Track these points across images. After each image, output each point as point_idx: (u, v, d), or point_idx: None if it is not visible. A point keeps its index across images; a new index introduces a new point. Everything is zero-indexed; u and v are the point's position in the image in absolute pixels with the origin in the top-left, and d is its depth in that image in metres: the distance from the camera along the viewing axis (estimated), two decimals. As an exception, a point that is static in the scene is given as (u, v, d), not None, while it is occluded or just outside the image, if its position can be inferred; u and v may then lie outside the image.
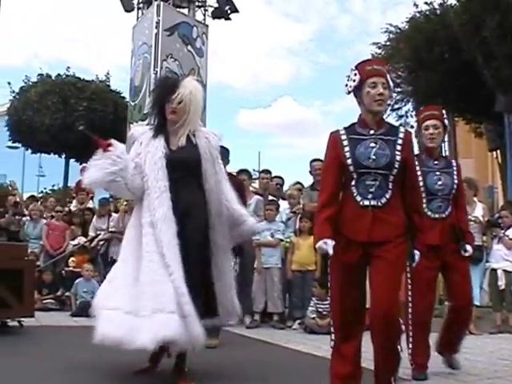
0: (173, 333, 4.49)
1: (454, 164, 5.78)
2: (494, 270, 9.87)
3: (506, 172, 21.65)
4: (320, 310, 8.91)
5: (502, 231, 9.96)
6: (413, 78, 20.62)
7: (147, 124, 5.45)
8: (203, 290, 4.93)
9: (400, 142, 4.34)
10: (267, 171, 11.74)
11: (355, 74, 4.38)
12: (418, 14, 21.90)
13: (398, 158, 4.28)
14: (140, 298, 4.65)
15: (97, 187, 5.07)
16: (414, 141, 5.30)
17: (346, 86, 4.45)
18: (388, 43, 22.35)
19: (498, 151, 24.28)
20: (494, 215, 11.20)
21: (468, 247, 5.53)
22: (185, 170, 4.97)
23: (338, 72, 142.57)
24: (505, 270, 9.84)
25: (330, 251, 4.18)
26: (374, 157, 4.26)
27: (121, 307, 4.71)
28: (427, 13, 21.67)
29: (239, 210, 5.35)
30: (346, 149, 4.32)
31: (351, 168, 4.30)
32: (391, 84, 4.48)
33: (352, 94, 4.46)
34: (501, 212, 10.68)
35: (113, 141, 4.97)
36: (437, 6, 21.57)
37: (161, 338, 4.48)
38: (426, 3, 21.65)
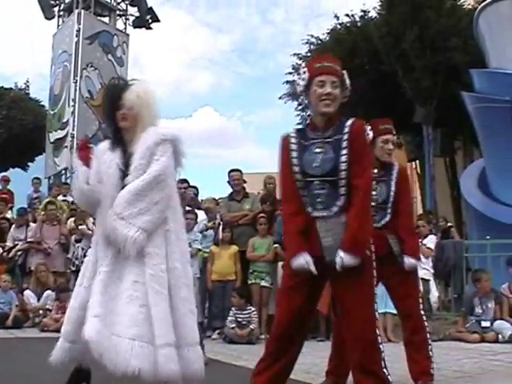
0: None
1: (395, 170, 5.31)
2: (411, 278, 9.98)
3: (424, 182, 22.10)
4: (239, 319, 8.88)
5: (420, 240, 10.10)
6: (333, 89, 20.80)
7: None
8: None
9: (345, 137, 3.88)
10: (184, 180, 11.64)
11: (304, 72, 4.00)
12: (338, 26, 22.18)
13: (344, 158, 3.83)
14: None
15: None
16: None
17: (298, 85, 4.07)
18: (309, 54, 22.48)
19: (417, 162, 24.76)
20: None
21: (406, 260, 5.03)
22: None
23: (259, 83, 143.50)
24: (422, 278, 9.98)
25: (312, 268, 3.78)
26: (318, 164, 3.87)
27: None
28: (348, 25, 21.98)
29: None
30: (294, 154, 3.97)
31: (298, 176, 3.93)
32: (347, 82, 4.03)
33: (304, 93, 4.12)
34: (418, 221, 10.84)
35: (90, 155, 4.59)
36: (357, 18, 21.90)
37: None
38: (346, 15, 21.99)
